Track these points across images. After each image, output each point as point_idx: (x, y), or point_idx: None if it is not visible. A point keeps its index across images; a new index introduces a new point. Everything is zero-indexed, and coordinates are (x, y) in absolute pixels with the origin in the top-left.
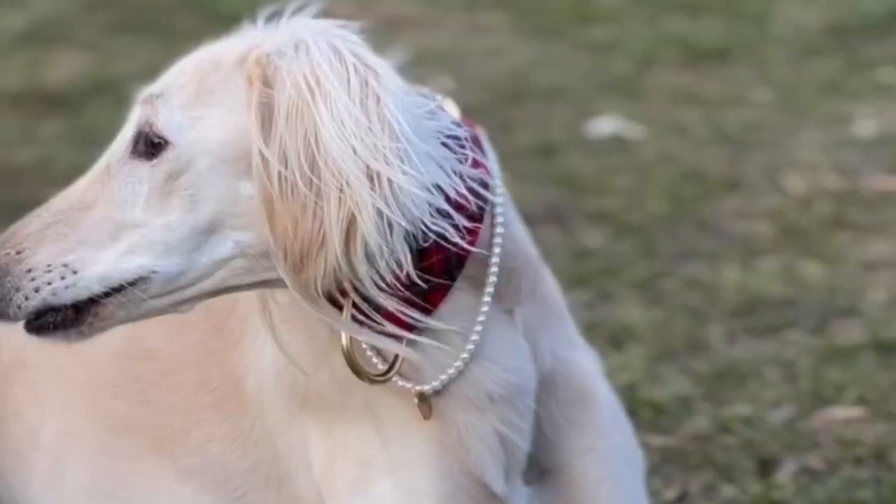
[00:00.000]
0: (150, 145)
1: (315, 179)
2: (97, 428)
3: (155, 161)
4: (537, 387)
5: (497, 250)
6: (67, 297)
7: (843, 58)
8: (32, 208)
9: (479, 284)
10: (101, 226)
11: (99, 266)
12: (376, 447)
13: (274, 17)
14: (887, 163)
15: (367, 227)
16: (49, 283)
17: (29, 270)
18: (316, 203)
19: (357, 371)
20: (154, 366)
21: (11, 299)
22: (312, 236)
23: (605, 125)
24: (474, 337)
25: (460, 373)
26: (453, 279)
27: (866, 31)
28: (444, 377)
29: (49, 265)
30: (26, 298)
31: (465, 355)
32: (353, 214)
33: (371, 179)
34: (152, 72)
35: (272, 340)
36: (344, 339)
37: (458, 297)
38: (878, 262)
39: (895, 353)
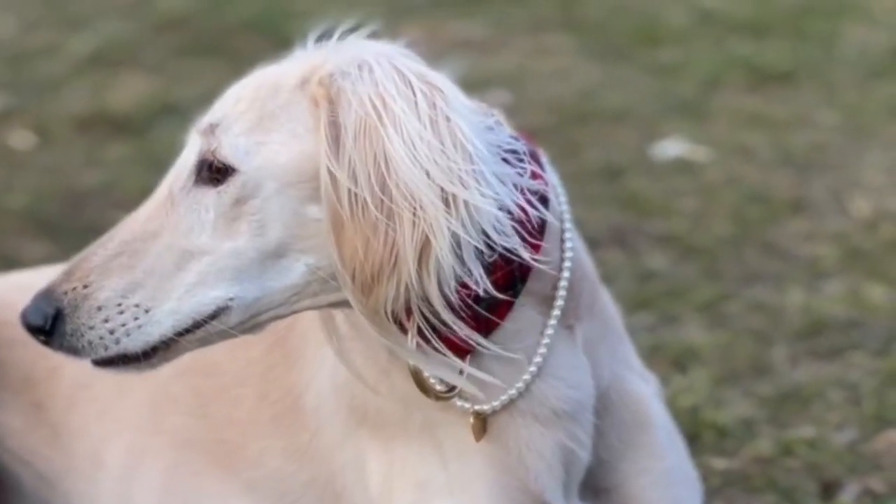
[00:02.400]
0: (214, 172)
1: (386, 201)
2: (162, 445)
3: (221, 188)
4: (595, 402)
5: (567, 264)
6: (140, 341)
7: None
8: (98, 232)
9: (541, 300)
10: (168, 255)
11: (171, 302)
12: (435, 467)
13: (323, 38)
14: None
15: (443, 249)
16: (123, 325)
17: (100, 308)
18: (388, 224)
19: (424, 388)
20: (216, 380)
21: (83, 335)
22: (384, 258)
23: (670, 147)
24: (542, 350)
25: (526, 389)
26: (517, 294)
27: None
28: (504, 397)
29: (120, 304)
30: (101, 339)
31: (532, 369)
32: (426, 237)
33: (447, 203)
34: (218, 95)
35: (337, 357)
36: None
37: (521, 313)
38: None
39: None
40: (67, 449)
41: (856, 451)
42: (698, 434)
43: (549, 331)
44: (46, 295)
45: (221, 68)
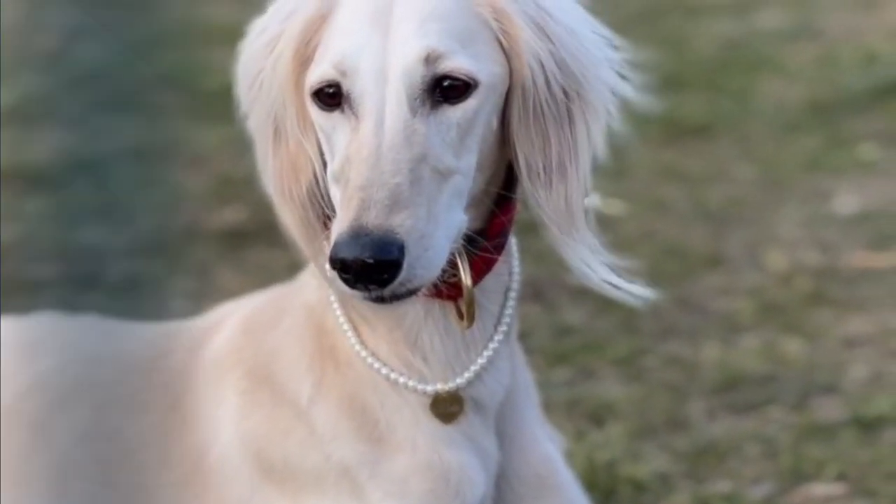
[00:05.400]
0: (448, 90)
1: (563, 95)
2: None
3: (462, 104)
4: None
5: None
6: (433, 272)
7: (825, 134)
8: (15, 286)
9: (507, 268)
10: (432, 179)
11: (440, 229)
12: None
13: None
14: (867, 239)
15: (599, 145)
16: (422, 255)
17: (422, 237)
18: (567, 116)
19: (470, 312)
20: (118, 447)
21: (414, 269)
22: (563, 153)
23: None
24: (506, 319)
25: (488, 364)
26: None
27: (847, 107)
28: (475, 367)
29: (420, 233)
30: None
31: (499, 337)
32: (596, 134)
33: (612, 94)
34: (136, 149)
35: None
36: (466, 278)
37: (500, 272)
38: (858, 338)
39: (875, 429)
40: None
41: None
42: (615, 489)
43: (512, 301)
44: (370, 230)
45: (139, 123)
